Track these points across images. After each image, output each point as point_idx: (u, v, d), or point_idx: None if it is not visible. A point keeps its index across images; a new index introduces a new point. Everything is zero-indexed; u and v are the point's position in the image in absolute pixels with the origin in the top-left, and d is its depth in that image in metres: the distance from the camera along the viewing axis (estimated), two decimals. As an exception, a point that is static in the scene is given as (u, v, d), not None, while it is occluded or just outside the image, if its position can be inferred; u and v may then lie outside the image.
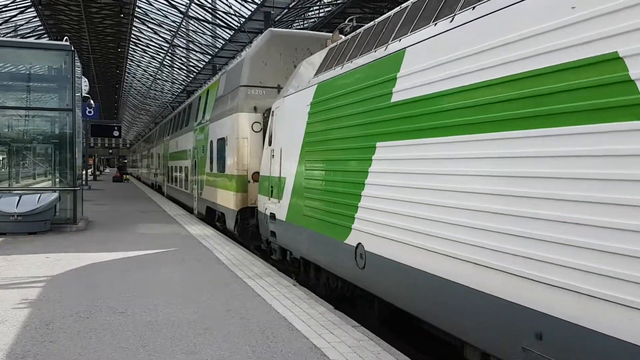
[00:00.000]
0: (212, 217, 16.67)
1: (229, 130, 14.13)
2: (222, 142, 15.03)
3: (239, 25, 30.93)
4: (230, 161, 13.92)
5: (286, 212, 9.67)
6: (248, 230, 12.97)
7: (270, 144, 10.87)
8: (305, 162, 8.82)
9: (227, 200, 14.14)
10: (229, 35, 34.02)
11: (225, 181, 14.44)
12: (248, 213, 13.02)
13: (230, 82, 14.98)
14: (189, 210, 21.61)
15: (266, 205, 10.88)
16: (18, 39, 29.47)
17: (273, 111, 10.95)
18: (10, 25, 38.91)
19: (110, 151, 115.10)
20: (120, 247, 12.12)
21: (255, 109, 13.28)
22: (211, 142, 16.53)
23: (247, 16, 29.46)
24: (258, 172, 12.10)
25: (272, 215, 10.45)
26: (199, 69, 45.33)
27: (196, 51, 41.99)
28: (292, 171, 9.42)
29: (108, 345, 5.62)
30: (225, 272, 9.45)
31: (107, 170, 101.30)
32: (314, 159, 8.51)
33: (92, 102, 24.41)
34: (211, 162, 16.52)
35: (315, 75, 9.05)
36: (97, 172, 65.49)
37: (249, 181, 13.07)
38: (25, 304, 7.22)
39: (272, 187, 10.51)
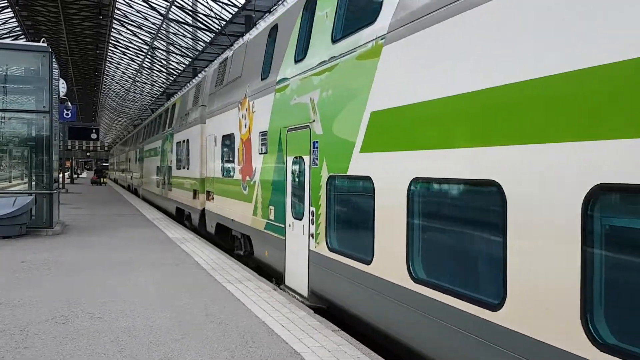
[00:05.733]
0: None
1: None
2: None
3: (219, 28, 30.81)
4: None
5: None
6: None
7: None
8: None
9: None
10: (210, 38, 33.87)
11: None
12: None
13: None
14: None
15: None
16: (-6, 40, 29.01)
17: None
18: (-14, 25, 38.37)
19: (88, 154, 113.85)
20: (97, 251, 11.97)
21: None
22: None
23: (228, 19, 29.36)
24: None
25: None
26: (179, 71, 45.03)
27: (176, 54, 41.71)
28: None
29: (84, 351, 5.54)
30: (204, 277, 9.38)
31: (84, 174, 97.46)
32: None
33: (69, 104, 24.16)
34: None
35: None
36: (75, 175, 64.74)
37: None
38: (0, 309, 7.09)
39: None
